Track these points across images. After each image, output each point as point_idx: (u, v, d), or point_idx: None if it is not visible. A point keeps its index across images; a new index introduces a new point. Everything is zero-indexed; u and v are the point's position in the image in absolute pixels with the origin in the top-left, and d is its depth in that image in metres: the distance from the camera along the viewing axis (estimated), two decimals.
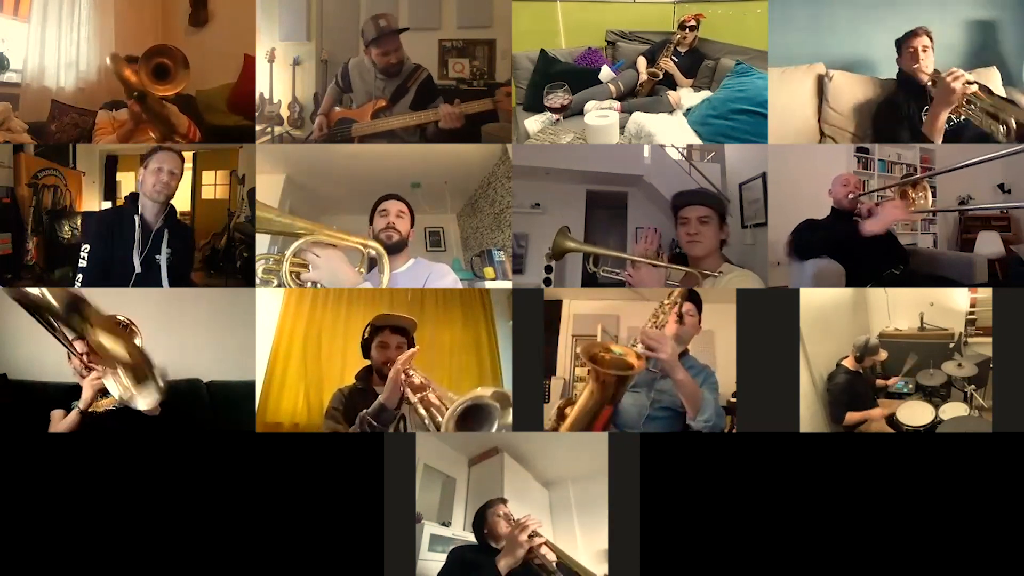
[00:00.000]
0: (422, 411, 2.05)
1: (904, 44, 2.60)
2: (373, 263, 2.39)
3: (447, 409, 1.95)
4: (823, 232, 2.56)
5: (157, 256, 2.39)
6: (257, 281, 2.24)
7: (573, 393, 2.33)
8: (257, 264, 2.27)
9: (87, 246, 2.38)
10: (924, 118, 2.52)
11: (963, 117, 2.44)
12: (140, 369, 1.89)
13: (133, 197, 2.48)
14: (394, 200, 2.47)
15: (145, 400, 1.94)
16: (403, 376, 2.09)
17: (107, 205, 2.82)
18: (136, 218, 2.42)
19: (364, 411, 2.12)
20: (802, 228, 2.62)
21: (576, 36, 3.13)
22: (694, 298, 2.30)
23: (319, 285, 2.22)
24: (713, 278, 2.38)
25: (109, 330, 1.94)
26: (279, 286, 2.21)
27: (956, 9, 2.75)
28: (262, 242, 2.70)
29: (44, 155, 2.71)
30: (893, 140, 2.66)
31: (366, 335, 2.40)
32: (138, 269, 2.38)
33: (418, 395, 2.07)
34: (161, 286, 2.41)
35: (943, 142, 2.52)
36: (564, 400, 2.28)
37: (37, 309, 1.94)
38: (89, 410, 2.34)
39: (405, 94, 2.78)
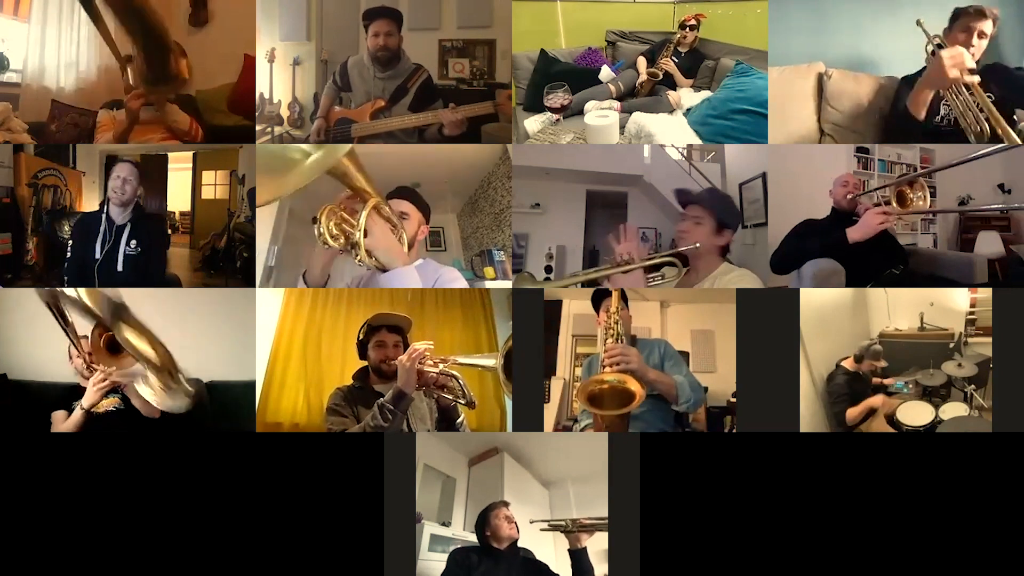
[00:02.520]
0: (448, 396, 2.24)
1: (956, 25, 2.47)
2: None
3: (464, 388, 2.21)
4: (812, 241, 2.55)
5: (123, 247, 2.58)
6: (322, 236, 2.09)
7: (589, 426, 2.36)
8: (324, 220, 2.09)
9: (71, 241, 2.64)
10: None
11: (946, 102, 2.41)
12: (167, 371, 2.10)
13: (106, 201, 2.64)
14: (398, 199, 2.35)
15: (176, 403, 2.16)
16: (419, 363, 2.13)
17: None
18: (103, 216, 2.61)
19: (381, 399, 2.12)
20: (789, 237, 2.61)
21: (576, 36, 3.13)
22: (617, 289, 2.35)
23: (368, 256, 2.10)
24: (710, 277, 2.39)
25: (142, 333, 2.09)
26: (351, 247, 2.09)
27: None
28: (262, 241, 2.71)
29: (44, 155, 2.71)
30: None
31: (361, 336, 2.41)
32: (97, 256, 2.57)
33: (440, 388, 2.22)
34: (120, 271, 2.56)
35: (944, 142, 2.52)
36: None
37: (62, 310, 2.16)
38: (90, 410, 2.34)
39: (405, 94, 2.78)
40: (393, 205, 2.31)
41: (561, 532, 2.22)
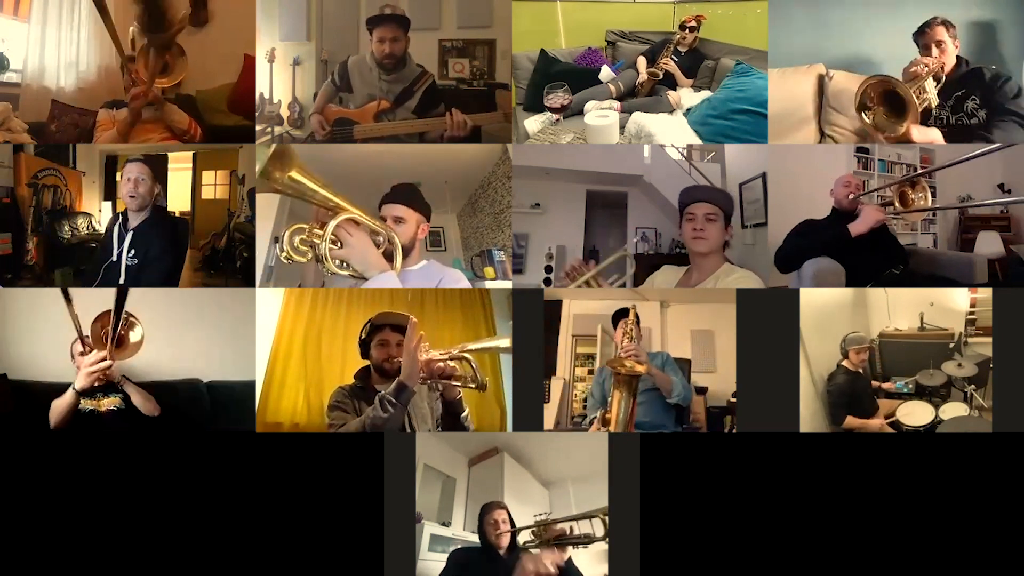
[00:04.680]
0: (457, 383, 2.23)
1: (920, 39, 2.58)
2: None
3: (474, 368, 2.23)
4: (814, 237, 2.57)
5: (120, 252, 2.57)
6: (285, 253, 2.12)
7: (609, 407, 2.40)
8: (287, 238, 2.13)
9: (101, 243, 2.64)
10: None
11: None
12: None
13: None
14: (392, 204, 2.33)
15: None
16: (426, 353, 2.12)
17: (107, 205, 2.83)
18: (119, 221, 2.62)
19: (383, 392, 2.11)
20: (791, 236, 2.62)
21: (576, 36, 3.13)
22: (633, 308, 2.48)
23: (346, 264, 2.12)
24: (712, 277, 2.39)
25: None
26: (317, 260, 2.11)
27: (956, 9, 2.74)
28: (262, 241, 2.71)
29: (44, 155, 2.71)
30: None
31: (364, 335, 2.40)
32: (113, 259, 2.57)
33: (448, 377, 2.21)
34: (121, 283, 2.53)
35: (945, 141, 2.53)
36: (601, 413, 2.38)
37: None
38: (91, 410, 2.34)
39: (410, 97, 2.77)
40: (385, 211, 2.31)
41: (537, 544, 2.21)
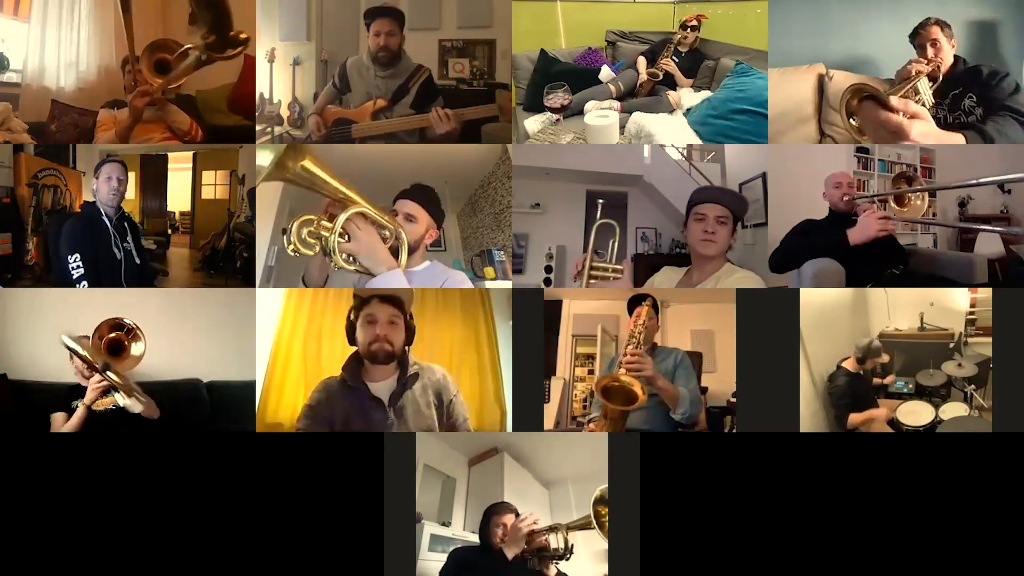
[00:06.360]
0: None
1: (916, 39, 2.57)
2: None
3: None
4: (815, 238, 2.56)
5: (125, 245, 2.60)
6: (292, 245, 2.04)
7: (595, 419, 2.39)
8: (295, 230, 2.04)
9: (77, 255, 2.51)
10: None
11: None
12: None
13: (90, 204, 2.62)
14: (407, 200, 2.28)
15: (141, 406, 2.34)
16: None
17: None
18: (104, 219, 2.58)
19: None
20: (789, 237, 2.62)
21: (576, 36, 3.14)
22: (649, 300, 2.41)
23: (353, 259, 2.07)
24: (713, 277, 2.39)
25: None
26: (324, 253, 2.06)
27: (956, 9, 2.74)
28: (262, 241, 2.71)
29: (44, 155, 2.71)
30: None
31: (351, 316, 2.17)
32: (119, 256, 2.57)
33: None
34: (137, 263, 2.60)
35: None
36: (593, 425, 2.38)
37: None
38: (91, 407, 2.34)
39: (406, 94, 2.78)
40: (399, 206, 2.28)
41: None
